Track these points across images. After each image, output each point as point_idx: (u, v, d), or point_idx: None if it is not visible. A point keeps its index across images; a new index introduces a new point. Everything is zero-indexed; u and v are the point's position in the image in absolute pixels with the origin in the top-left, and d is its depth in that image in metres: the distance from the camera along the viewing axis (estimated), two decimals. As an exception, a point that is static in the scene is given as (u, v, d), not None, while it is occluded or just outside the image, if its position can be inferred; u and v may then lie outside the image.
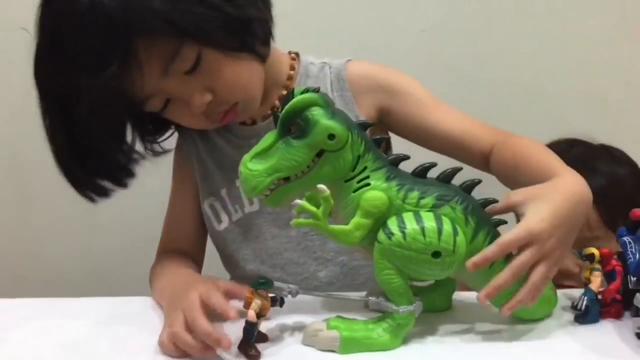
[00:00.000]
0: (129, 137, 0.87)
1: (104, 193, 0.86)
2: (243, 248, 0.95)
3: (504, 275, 0.67)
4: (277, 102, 0.91)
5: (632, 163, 1.22)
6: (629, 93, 1.46)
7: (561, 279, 1.14)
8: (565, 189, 0.72)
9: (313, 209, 0.66)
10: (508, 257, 0.70)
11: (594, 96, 1.39)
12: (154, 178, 1.01)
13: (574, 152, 1.25)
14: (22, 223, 1.54)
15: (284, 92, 0.91)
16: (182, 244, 0.99)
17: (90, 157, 0.82)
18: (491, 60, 1.44)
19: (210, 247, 1.03)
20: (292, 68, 0.94)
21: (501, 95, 1.42)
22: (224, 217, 0.95)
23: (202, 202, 0.97)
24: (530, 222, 0.67)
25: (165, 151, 0.94)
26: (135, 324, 0.78)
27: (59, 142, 0.81)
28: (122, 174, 0.86)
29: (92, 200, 0.86)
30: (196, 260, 0.99)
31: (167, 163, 1.03)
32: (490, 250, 0.67)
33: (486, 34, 1.45)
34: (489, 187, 0.81)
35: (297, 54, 0.97)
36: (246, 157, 0.68)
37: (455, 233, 0.66)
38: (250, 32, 0.82)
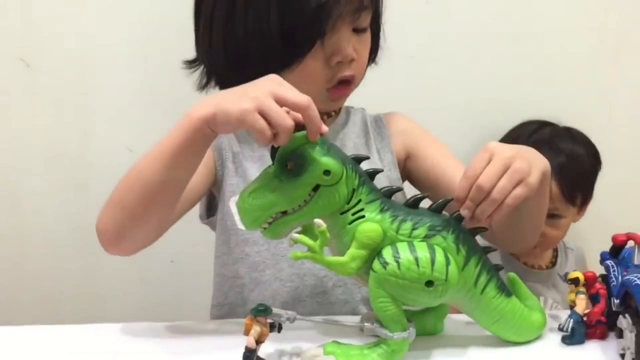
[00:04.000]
0: None
1: None
2: (264, 252, 0.94)
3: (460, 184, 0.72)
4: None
5: (590, 144, 1.35)
6: (612, 117, 1.49)
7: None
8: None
9: (310, 242, 0.68)
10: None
11: (577, 120, 1.41)
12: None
13: (542, 133, 1.37)
14: (18, 245, 1.52)
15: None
16: None
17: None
18: (476, 86, 1.47)
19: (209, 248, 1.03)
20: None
21: (485, 120, 1.45)
22: None
23: (227, 200, 0.95)
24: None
25: None
26: (139, 350, 0.79)
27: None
28: None
29: None
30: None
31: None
32: (460, 187, 0.72)
33: (469, 59, 1.47)
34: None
35: None
36: (244, 192, 0.70)
37: (447, 262, 0.69)
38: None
